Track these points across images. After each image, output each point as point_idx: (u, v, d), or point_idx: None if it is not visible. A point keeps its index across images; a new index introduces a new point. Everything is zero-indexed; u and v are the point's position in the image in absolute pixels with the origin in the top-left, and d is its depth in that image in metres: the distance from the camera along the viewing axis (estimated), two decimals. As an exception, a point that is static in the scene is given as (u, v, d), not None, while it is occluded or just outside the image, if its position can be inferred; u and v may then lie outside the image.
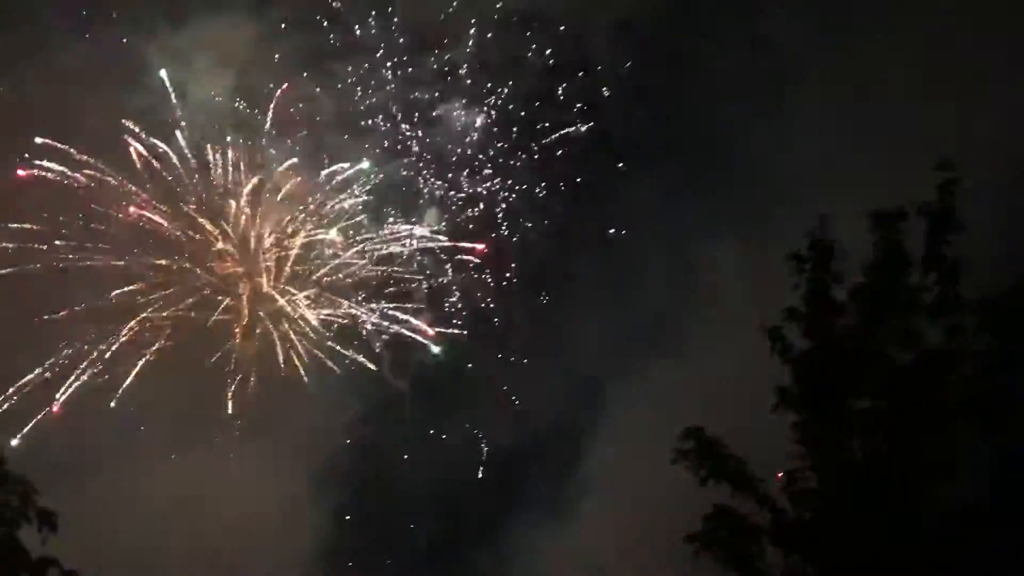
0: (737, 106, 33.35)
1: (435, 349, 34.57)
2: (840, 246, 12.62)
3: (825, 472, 12.01)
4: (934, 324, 12.08)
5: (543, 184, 34.48)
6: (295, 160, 33.32)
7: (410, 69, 33.80)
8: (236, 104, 33.12)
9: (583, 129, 34.15)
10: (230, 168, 33.02)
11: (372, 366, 34.19)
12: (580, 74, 34.20)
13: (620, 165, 34.67)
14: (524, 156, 34.55)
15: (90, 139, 31.91)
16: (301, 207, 33.59)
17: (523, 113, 34.41)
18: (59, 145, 31.41)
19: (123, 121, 31.55)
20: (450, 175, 34.53)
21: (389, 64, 34.13)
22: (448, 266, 34.79)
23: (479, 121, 34.31)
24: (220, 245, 33.31)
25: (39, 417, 30.70)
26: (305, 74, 33.36)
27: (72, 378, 31.56)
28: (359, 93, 34.02)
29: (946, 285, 12.03)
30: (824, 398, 12.18)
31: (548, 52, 33.84)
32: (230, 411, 32.61)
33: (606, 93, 34.22)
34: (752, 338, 12.86)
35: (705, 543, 12.11)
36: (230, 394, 32.72)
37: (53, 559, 7.84)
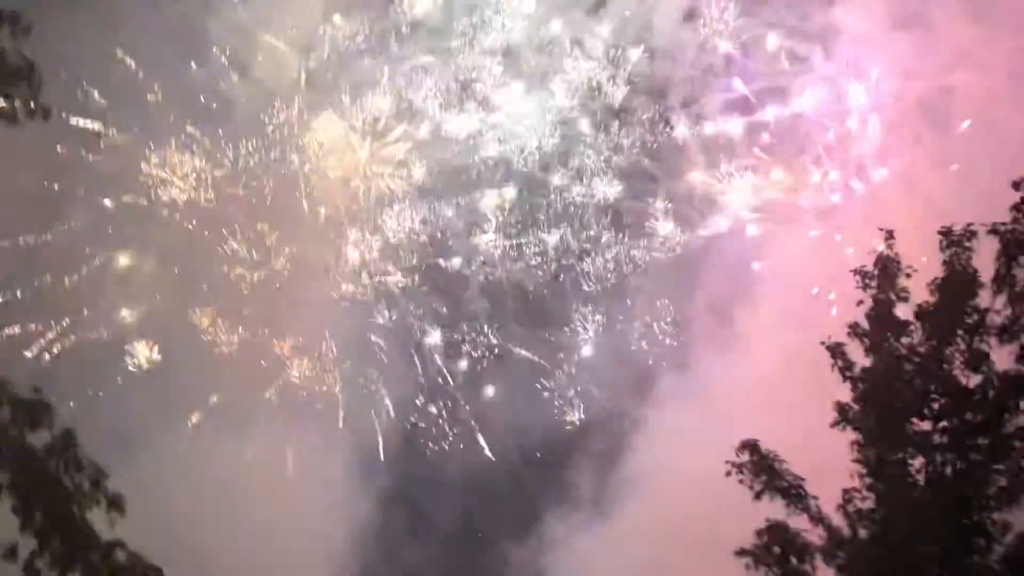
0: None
1: None
2: (907, 264, 12.45)
3: (884, 493, 11.81)
4: (1003, 346, 11.84)
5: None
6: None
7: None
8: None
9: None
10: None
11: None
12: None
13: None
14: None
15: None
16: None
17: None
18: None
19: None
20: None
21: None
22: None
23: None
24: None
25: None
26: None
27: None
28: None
29: (1017, 307, 11.77)
30: (886, 417, 11.99)
31: None
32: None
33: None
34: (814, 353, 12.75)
35: (757, 558, 11.98)
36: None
37: (120, 542, 8.11)
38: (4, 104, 8.85)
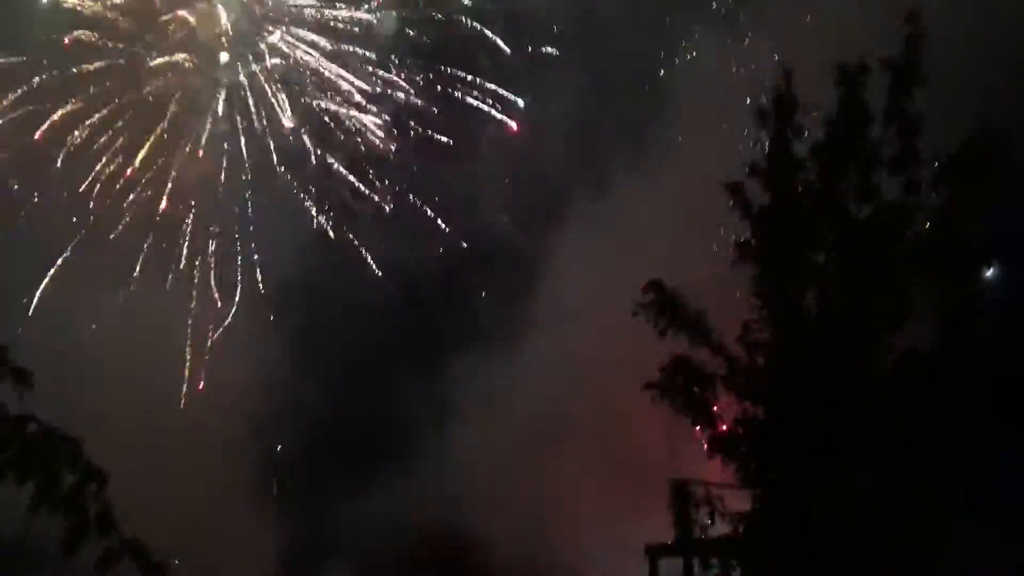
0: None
1: None
2: (803, 100, 12.66)
3: (780, 323, 12.41)
4: (893, 178, 12.28)
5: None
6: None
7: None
8: None
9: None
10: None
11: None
12: None
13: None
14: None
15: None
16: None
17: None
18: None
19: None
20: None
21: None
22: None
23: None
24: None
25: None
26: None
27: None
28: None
29: (906, 140, 12.17)
30: (782, 252, 12.46)
31: None
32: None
33: None
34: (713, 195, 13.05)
35: (662, 390, 12.58)
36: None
37: (31, 415, 7.98)
38: None
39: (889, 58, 12.04)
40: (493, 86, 32.24)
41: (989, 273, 12.49)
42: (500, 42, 31.90)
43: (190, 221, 31.64)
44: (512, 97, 32.35)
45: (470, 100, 32.29)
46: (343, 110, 32.11)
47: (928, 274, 12.11)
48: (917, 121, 12.11)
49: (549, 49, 32.04)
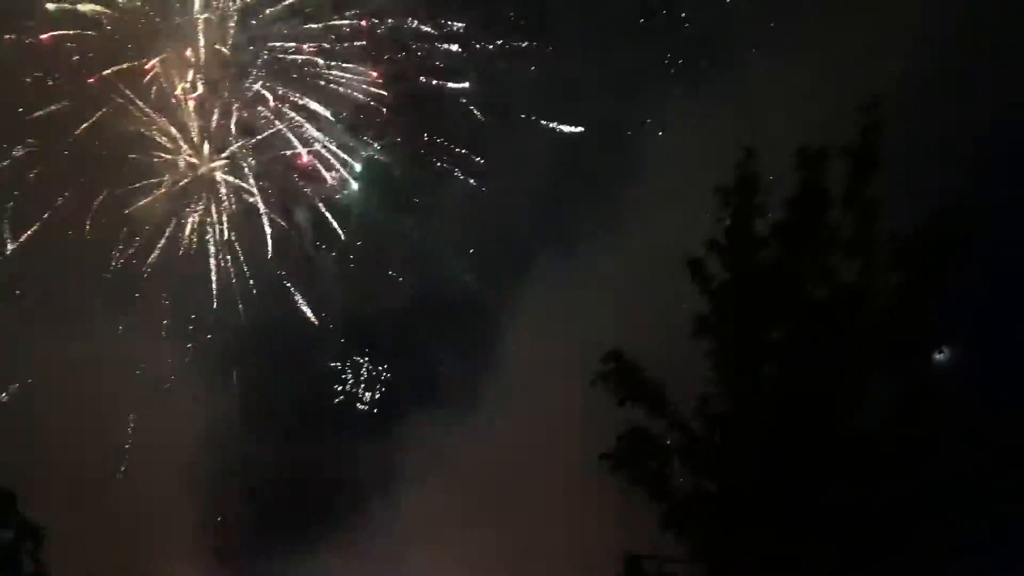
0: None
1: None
2: (766, 181, 12.92)
3: (737, 398, 12.51)
4: (850, 260, 12.53)
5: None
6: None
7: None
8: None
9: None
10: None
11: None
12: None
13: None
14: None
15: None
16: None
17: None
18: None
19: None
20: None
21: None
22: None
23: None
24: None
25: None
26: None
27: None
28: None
29: (863, 223, 12.44)
30: (739, 328, 12.61)
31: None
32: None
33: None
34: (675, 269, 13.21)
35: (618, 461, 12.58)
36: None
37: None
38: None
39: (848, 145, 12.36)
40: (462, 150, 32.69)
41: (943, 355, 12.71)
42: (476, 111, 32.38)
43: (147, 270, 31.50)
44: (478, 159, 32.75)
45: (438, 161, 32.67)
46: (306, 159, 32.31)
47: (883, 355, 12.30)
48: (875, 206, 12.40)
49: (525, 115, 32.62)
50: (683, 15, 32.28)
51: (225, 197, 31.97)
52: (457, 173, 32.84)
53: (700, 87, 30.22)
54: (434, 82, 32.46)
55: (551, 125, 32.71)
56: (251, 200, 31.90)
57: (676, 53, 32.33)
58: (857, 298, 12.30)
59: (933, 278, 12.16)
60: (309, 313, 32.31)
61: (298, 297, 32.35)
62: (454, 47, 32.17)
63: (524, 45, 32.16)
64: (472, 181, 32.85)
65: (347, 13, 31.71)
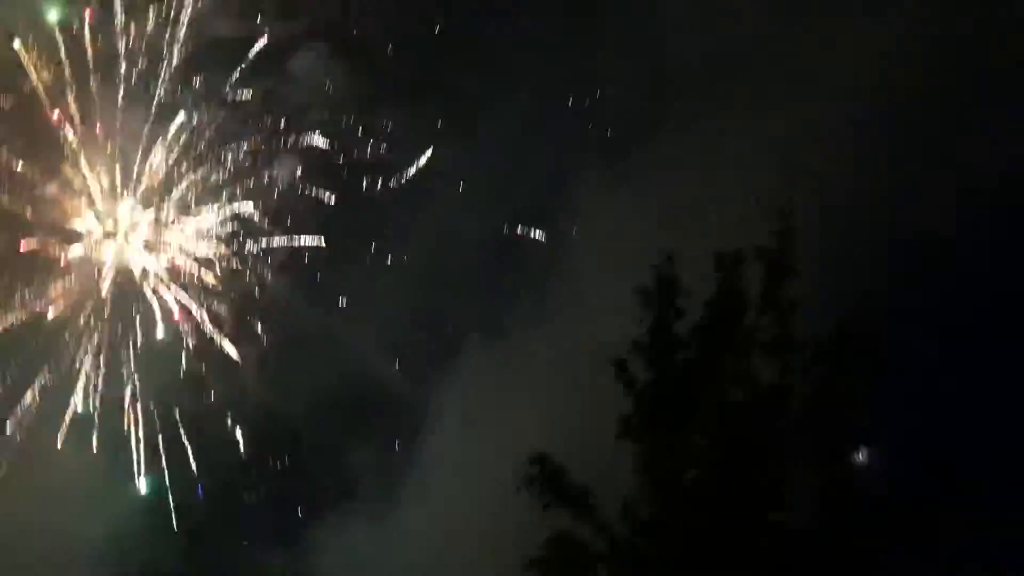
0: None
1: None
2: (684, 283, 13.13)
3: (660, 502, 12.45)
4: (769, 361, 12.71)
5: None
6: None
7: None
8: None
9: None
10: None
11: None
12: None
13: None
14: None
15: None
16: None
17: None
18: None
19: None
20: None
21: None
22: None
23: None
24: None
25: None
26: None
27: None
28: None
29: (780, 326, 12.67)
30: (662, 430, 12.64)
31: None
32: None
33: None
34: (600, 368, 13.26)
35: (543, 569, 12.36)
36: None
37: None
38: None
39: (763, 249, 12.66)
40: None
41: (863, 456, 12.85)
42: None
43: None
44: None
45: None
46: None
47: (802, 456, 12.41)
48: (791, 308, 12.65)
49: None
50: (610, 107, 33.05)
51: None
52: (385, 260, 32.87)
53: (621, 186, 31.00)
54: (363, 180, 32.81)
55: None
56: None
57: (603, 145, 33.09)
58: (775, 399, 12.45)
59: (850, 379, 12.36)
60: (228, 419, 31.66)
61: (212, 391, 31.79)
62: (382, 146, 32.64)
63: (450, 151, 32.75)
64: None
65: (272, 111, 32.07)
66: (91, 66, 30.51)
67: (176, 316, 31.71)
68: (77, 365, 30.93)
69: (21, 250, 30.65)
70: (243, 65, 31.81)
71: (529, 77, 32.55)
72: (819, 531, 12.30)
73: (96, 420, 30.72)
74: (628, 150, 31.93)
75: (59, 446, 30.33)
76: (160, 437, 31.19)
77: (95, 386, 30.90)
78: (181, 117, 31.42)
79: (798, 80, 28.09)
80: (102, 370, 31.06)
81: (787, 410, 12.50)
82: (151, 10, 30.78)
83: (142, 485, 30.76)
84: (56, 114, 30.29)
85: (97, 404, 30.77)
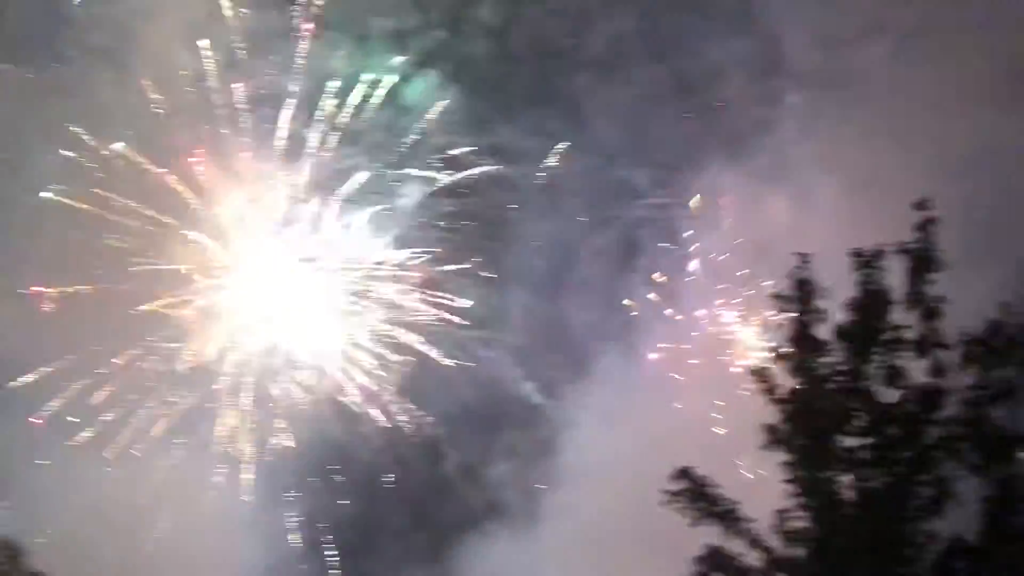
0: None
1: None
2: (822, 285, 12.74)
3: (815, 511, 12.08)
4: (918, 361, 12.21)
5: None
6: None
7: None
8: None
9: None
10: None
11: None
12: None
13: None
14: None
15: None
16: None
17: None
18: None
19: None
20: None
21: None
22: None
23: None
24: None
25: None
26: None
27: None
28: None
29: (928, 322, 12.16)
30: (812, 437, 12.27)
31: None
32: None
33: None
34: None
35: (703, 584, 12.18)
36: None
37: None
38: None
39: (904, 244, 12.18)
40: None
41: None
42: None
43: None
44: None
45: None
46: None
47: (962, 459, 11.85)
48: (937, 304, 12.13)
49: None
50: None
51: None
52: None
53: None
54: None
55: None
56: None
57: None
58: (930, 398, 11.94)
59: (1005, 376, 11.76)
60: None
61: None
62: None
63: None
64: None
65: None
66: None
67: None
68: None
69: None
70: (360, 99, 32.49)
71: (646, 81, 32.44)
72: (985, 540, 11.72)
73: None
74: (749, 145, 31.39)
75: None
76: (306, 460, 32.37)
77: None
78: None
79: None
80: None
81: (943, 410, 11.96)
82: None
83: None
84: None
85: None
